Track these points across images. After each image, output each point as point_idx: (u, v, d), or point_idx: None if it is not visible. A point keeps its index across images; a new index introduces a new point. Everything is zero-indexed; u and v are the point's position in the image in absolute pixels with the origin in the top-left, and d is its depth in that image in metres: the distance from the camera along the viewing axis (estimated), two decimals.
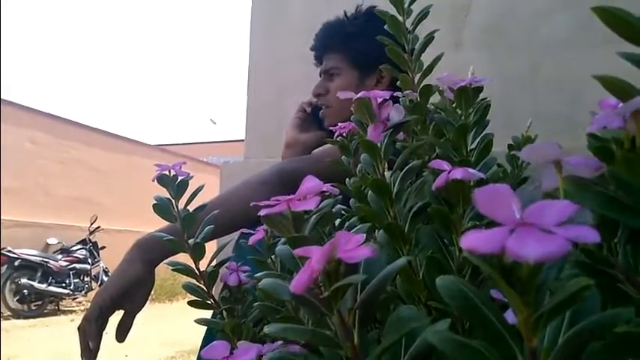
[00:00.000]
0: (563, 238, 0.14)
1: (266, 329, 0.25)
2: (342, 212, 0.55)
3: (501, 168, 0.75)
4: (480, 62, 1.35)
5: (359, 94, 0.44)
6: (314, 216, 0.37)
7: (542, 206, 0.16)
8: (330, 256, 0.22)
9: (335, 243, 0.22)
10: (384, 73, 1.07)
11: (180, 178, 0.61)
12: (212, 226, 0.62)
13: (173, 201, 0.61)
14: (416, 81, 0.64)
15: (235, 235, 0.84)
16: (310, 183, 0.36)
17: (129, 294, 0.74)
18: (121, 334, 0.76)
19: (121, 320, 0.77)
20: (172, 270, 0.62)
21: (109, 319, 0.74)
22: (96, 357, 0.73)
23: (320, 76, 1.15)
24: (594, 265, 0.23)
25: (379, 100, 0.45)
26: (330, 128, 1.11)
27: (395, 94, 0.53)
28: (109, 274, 7.47)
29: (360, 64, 1.09)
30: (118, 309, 0.75)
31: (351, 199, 0.57)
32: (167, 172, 0.60)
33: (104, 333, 0.73)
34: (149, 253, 0.75)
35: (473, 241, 0.14)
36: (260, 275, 0.51)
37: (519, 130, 0.89)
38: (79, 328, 0.73)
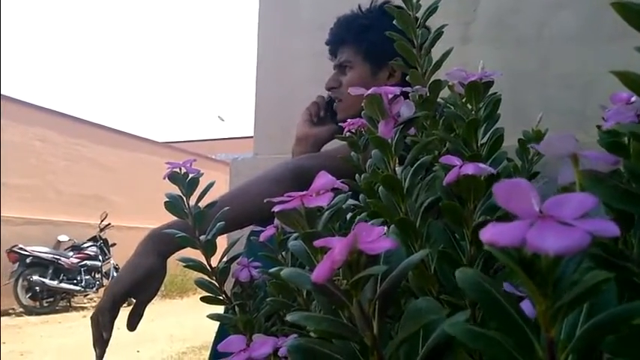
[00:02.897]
0: (583, 231, 0.14)
1: (288, 317, 0.25)
2: (352, 207, 0.55)
3: (512, 163, 0.75)
4: (488, 57, 1.34)
5: (369, 90, 0.45)
6: (327, 212, 0.38)
7: (561, 199, 0.16)
8: (352, 247, 0.22)
9: (356, 235, 0.23)
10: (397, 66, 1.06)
11: (190, 175, 0.61)
12: (223, 222, 0.62)
13: (184, 198, 0.62)
14: (425, 76, 0.64)
15: (246, 231, 0.84)
16: (323, 179, 0.36)
17: (142, 285, 0.75)
18: (132, 323, 0.77)
19: (132, 309, 0.77)
20: (184, 266, 0.62)
21: (121, 311, 0.75)
22: (107, 346, 0.74)
23: (334, 69, 1.14)
24: (609, 258, 0.23)
25: (390, 96, 0.45)
26: (342, 122, 1.11)
27: (405, 90, 0.53)
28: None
29: (373, 57, 1.08)
30: (130, 297, 0.76)
31: (361, 195, 0.57)
32: (178, 170, 0.61)
33: (116, 329, 0.74)
34: (163, 245, 0.76)
35: (493, 234, 0.15)
36: (274, 270, 0.51)
37: (528, 125, 0.89)
38: (92, 319, 0.74)
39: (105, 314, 0.73)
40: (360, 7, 1.12)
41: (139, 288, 0.75)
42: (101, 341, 0.73)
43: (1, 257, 6.42)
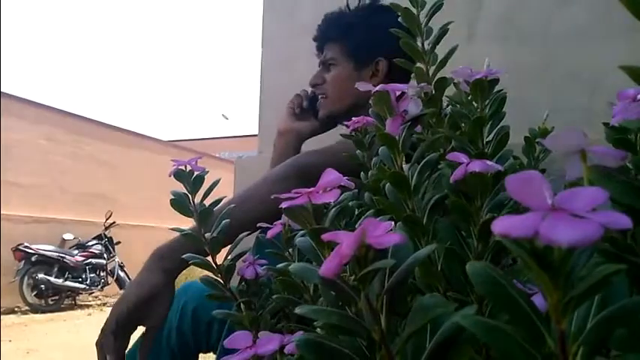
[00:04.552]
0: (595, 223, 0.14)
1: (297, 310, 0.25)
2: (359, 205, 0.55)
3: (518, 160, 0.75)
4: (494, 54, 1.34)
5: (377, 87, 0.45)
6: (334, 208, 0.38)
7: (573, 192, 0.16)
8: (360, 241, 0.23)
9: (364, 229, 0.23)
10: (380, 65, 1.05)
11: (196, 173, 0.61)
12: (228, 220, 0.62)
13: (190, 196, 0.62)
14: (430, 74, 0.64)
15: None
16: (330, 176, 0.36)
17: (147, 305, 0.70)
18: (142, 356, 0.73)
19: (141, 343, 0.73)
20: (190, 264, 0.63)
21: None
22: None
23: (318, 66, 1.14)
24: (618, 253, 0.23)
25: (397, 93, 0.45)
26: (324, 119, 1.12)
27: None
28: (125, 268, 7.55)
29: (356, 55, 1.07)
30: (137, 323, 0.72)
31: (366, 193, 0.57)
32: (183, 168, 0.61)
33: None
34: (169, 263, 0.72)
35: (506, 225, 0.15)
36: (281, 266, 0.52)
37: (535, 123, 0.89)
38: (97, 344, 0.70)
39: (108, 336, 0.68)
40: (348, 4, 1.11)
41: (144, 309, 0.70)
42: None
43: (3, 255, 6.46)
